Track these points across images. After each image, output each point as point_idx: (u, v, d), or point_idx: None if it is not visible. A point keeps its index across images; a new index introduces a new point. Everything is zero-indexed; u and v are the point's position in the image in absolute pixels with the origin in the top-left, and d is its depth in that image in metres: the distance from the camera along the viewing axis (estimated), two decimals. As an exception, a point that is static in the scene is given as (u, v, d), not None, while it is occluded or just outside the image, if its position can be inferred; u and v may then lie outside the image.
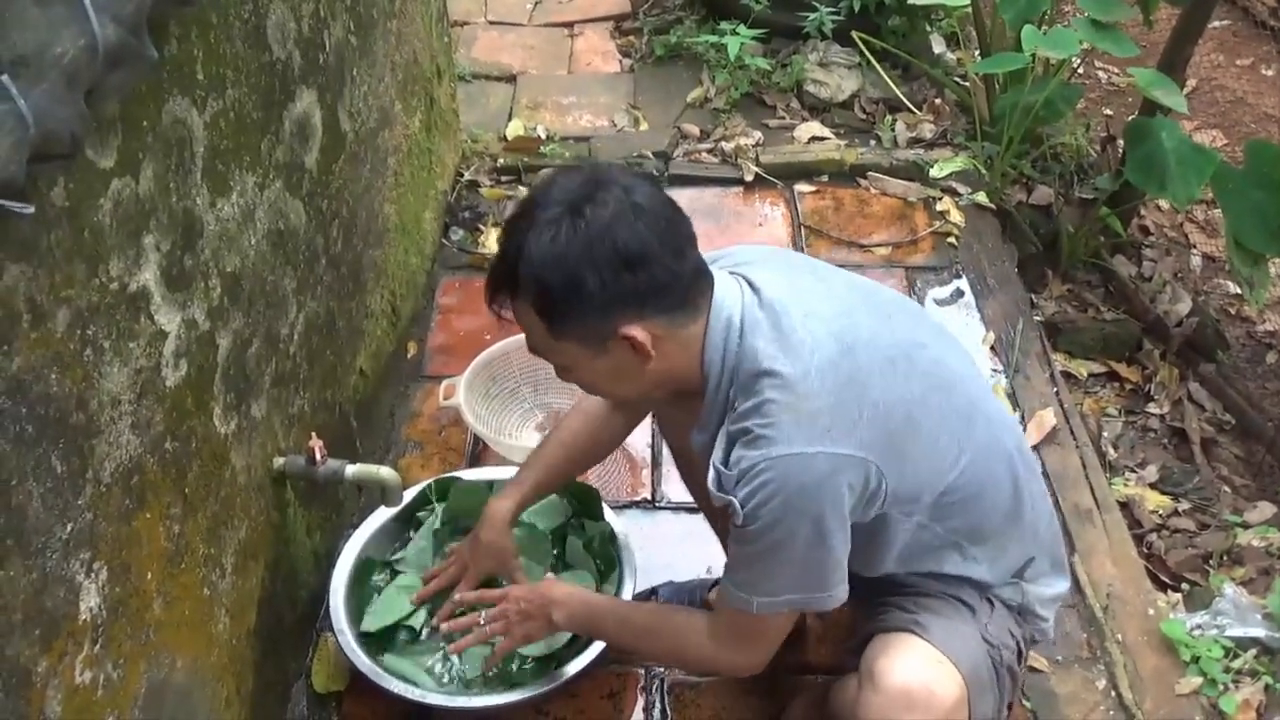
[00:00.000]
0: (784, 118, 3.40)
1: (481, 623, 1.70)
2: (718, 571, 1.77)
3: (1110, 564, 2.12)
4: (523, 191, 3.06)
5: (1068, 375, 2.70)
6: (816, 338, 1.33)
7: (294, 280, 1.78)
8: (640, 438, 2.32)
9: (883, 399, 1.33)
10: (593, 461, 1.89)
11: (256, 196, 1.60)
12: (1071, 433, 2.40)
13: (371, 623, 1.82)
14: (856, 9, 3.46)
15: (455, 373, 2.33)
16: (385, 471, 1.80)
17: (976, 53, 3.55)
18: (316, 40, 1.83)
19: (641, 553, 1.91)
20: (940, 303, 2.76)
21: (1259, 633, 1.99)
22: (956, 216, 2.99)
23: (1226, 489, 2.53)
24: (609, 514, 1.95)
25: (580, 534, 1.95)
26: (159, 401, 1.32)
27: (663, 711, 1.87)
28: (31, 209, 0.95)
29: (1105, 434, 2.60)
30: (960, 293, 2.78)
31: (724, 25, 3.52)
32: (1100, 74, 4.15)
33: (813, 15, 3.51)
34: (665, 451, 2.29)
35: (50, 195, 1.06)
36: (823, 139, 3.28)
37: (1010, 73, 2.94)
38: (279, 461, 1.74)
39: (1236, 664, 1.96)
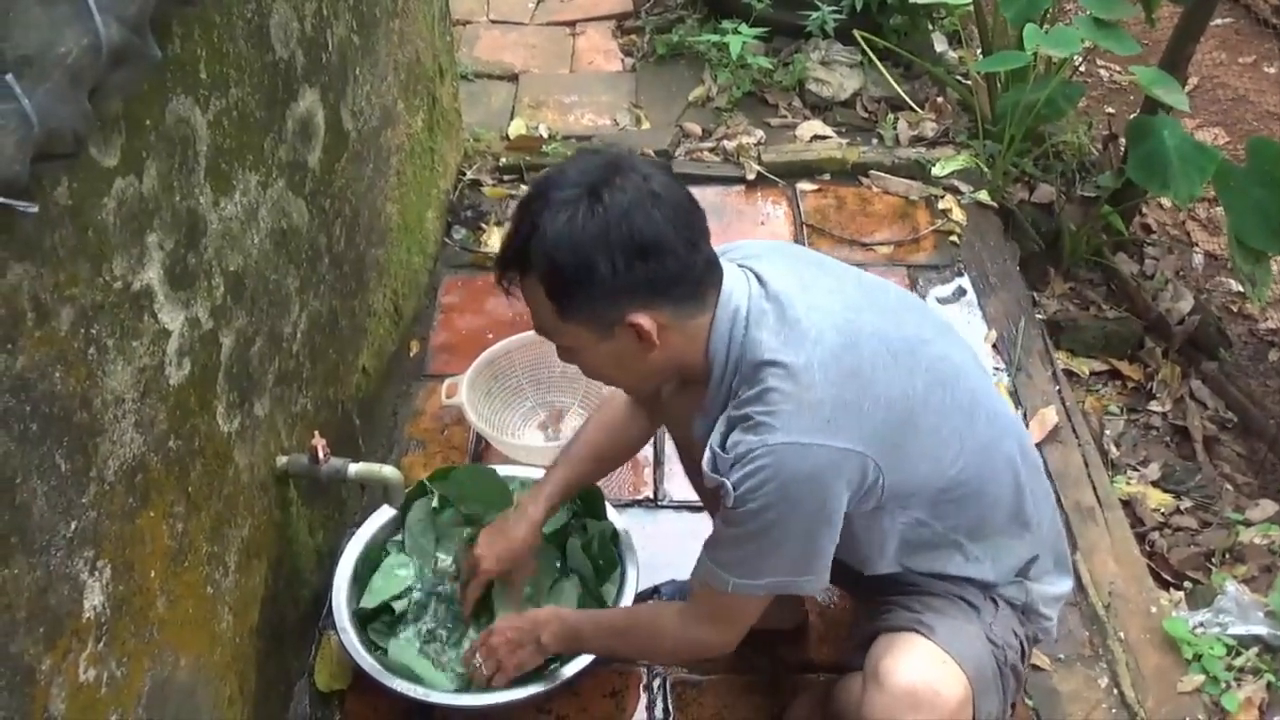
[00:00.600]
0: (786, 116, 3.40)
1: (477, 662, 1.72)
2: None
3: (1112, 562, 2.12)
4: (525, 191, 3.06)
5: (1070, 373, 2.70)
6: (821, 330, 1.33)
7: (297, 279, 1.78)
8: (642, 436, 2.32)
9: (884, 393, 1.33)
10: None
11: (259, 195, 1.61)
12: (1073, 431, 2.40)
13: (370, 600, 1.85)
14: (858, 8, 3.46)
15: (458, 371, 2.33)
16: (388, 470, 1.80)
17: (978, 51, 3.55)
18: (319, 39, 1.83)
19: (644, 551, 1.91)
20: (942, 301, 2.76)
21: (1261, 630, 1.99)
22: (958, 215, 2.99)
23: (1228, 487, 2.53)
24: (611, 513, 1.96)
25: (581, 535, 1.95)
26: (162, 400, 1.33)
27: (665, 710, 1.87)
28: (35, 208, 0.95)
29: (1107, 432, 2.60)
30: (962, 291, 2.78)
31: (726, 24, 3.53)
32: (1102, 72, 4.15)
33: (815, 14, 3.51)
34: (668, 450, 2.29)
35: (54, 194, 1.07)
36: (824, 138, 3.28)
37: (1012, 71, 2.95)
38: (282, 460, 1.74)
39: (1238, 662, 1.96)
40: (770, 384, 1.30)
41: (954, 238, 2.93)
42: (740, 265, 1.41)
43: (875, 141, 3.30)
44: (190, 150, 1.36)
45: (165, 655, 1.37)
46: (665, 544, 2.10)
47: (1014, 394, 2.48)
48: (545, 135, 3.24)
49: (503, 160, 3.13)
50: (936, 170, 3.09)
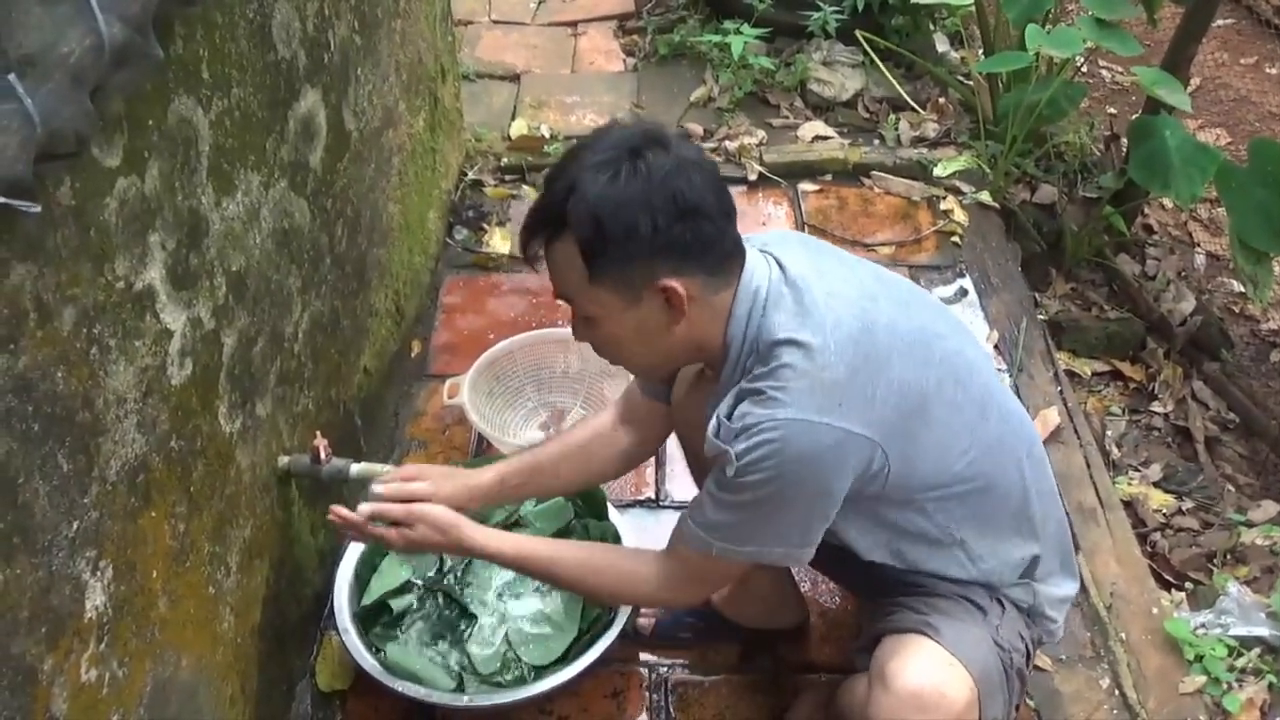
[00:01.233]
0: (788, 117, 3.40)
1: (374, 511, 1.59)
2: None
3: (1114, 563, 2.12)
4: (526, 191, 3.07)
5: (1071, 374, 2.70)
6: (838, 314, 1.33)
7: (299, 279, 1.78)
8: (644, 436, 2.32)
9: (898, 381, 1.33)
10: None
11: (261, 195, 1.60)
12: (1075, 431, 2.40)
13: (366, 597, 1.86)
14: (860, 8, 3.46)
15: (459, 371, 2.33)
16: (389, 471, 1.80)
17: (980, 51, 3.55)
18: (321, 39, 1.83)
19: (645, 552, 1.91)
20: (944, 301, 2.76)
21: (1263, 631, 1.99)
22: (960, 215, 2.99)
23: (1230, 488, 2.53)
24: (613, 514, 1.96)
25: (583, 536, 1.95)
26: (164, 400, 1.33)
27: (666, 710, 1.87)
28: (38, 208, 0.95)
29: (1109, 433, 2.60)
30: (964, 291, 2.78)
31: (727, 24, 3.52)
32: (1104, 73, 4.15)
33: (816, 14, 3.51)
34: (669, 451, 2.29)
35: (56, 194, 1.07)
36: (826, 138, 3.28)
37: (1014, 71, 2.94)
38: (284, 460, 1.74)
39: (1240, 663, 1.96)
40: (786, 360, 1.30)
41: (956, 238, 2.93)
42: (761, 251, 1.42)
43: (877, 142, 3.30)
44: (192, 150, 1.36)
45: (167, 655, 1.37)
46: (667, 544, 2.10)
47: (1016, 394, 2.47)
48: (547, 135, 3.24)
49: (504, 160, 3.13)
50: (938, 171, 3.09)
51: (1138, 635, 1.99)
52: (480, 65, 3.64)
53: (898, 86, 3.38)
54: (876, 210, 3.04)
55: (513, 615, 1.91)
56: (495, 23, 3.95)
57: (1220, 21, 4.29)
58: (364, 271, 2.16)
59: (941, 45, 3.74)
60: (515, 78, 3.62)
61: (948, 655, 1.40)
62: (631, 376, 1.67)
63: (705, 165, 1.32)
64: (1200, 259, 3.30)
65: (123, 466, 1.23)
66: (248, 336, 1.58)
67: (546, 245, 1.33)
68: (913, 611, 1.48)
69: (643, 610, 1.92)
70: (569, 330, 1.46)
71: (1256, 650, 1.98)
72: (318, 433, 1.81)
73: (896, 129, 3.31)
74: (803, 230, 2.95)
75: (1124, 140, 3.00)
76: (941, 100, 3.41)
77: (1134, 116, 2.98)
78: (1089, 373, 2.78)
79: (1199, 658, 1.95)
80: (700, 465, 1.77)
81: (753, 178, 3.11)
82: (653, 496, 2.24)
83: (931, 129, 3.31)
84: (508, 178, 3.11)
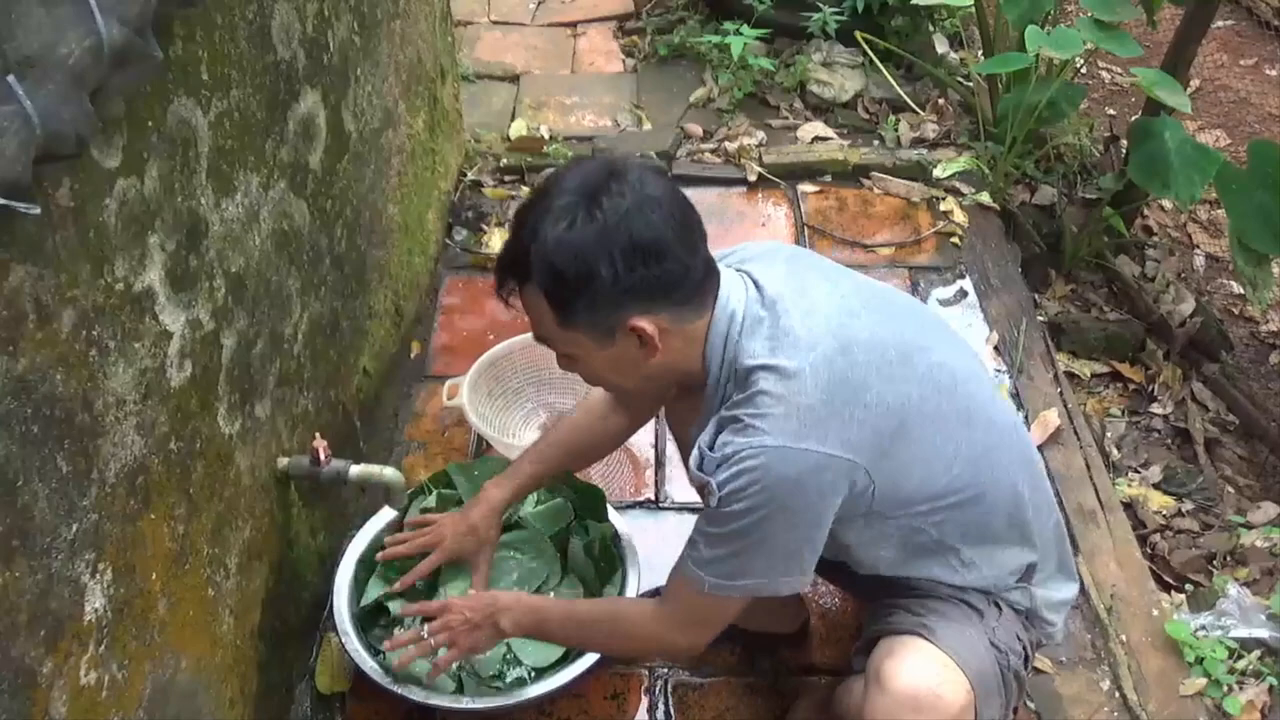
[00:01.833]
0: (787, 118, 3.40)
1: (425, 635, 1.65)
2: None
3: (1114, 565, 2.12)
4: (526, 192, 3.07)
5: (1071, 375, 2.70)
6: (815, 335, 1.33)
7: (298, 280, 1.78)
8: (644, 438, 2.32)
9: (877, 400, 1.32)
10: (591, 458, 1.90)
11: (261, 197, 1.60)
12: (1075, 433, 2.39)
13: (365, 598, 1.85)
14: (860, 9, 3.46)
15: (459, 373, 2.33)
16: (389, 472, 1.80)
17: (980, 53, 3.55)
18: (320, 40, 1.83)
19: (645, 553, 1.90)
20: (944, 303, 2.76)
21: (1263, 633, 1.99)
22: (960, 217, 2.99)
23: (1230, 489, 2.52)
24: (613, 514, 1.95)
25: (583, 536, 1.94)
26: (164, 402, 1.32)
27: (666, 712, 1.87)
28: (37, 209, 0.95)
29: (1109, 434, 2.59)
30: (964, 293, 2.78)
31: (727, 25, 3.52)
32: (1104, 74, 4.15)
33: (816, 15, 3.51)
34: (669, 452, 2.29)
35: (56, 195, 1.06)
36: (826, 139, 3.28)
37: (1014, 73, 2.94)
38: (283, 462, 1.74)
39: (1241, 665, 1.96)
40: (761, 387, 1.30)
41: (955, 239, 2.93)
42: (737, 269, 1.41)
43: (876, 143, 3.30)
44: (192, 151, 1.36)
45: (166, 658, 1.37)
46: (666, 546, 2.07)
47: (1015, 396, 2.48)
48: (546, 136, 3.24)
49: (504, 161, 3.13)
50: (938, 172, 3.09)
51: (1138, 637, 1.99)
52: (480, 66, 3.64)
53: (897, 87, 3.38)
54: (876, 211, 3.04)
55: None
56: (495, 23, 3.95)
57: (1220, 23, 4.29)
58: (363, 272, 2.16)
59: (941, 46, 3.74)
60: (515, 78, 3.62)
61: (944, 656, 1.40)
62: None
63: (665, 199, 1.29)
64: (1200, 260, 3.30)
65: (122, 468, 1.23)
66: (247, 338, 1.58)
67: (518, 290, 1.34)
68: (909, 613, 1.48)
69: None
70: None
71: (1257, 652, 1.98)
72: (317, 434, 1.80)
73: (896, 130, 3.31)
74: (802, 231, 2.96)
75: (1124, 141, 3.00)
76: (941, 101, 3.41)
77: (1134, 118, 2.98)
78: (1089, 374, 2.78)
79: (1199, 660, 1.95)
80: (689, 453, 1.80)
81: (752, 179, 3.11)
82: (652, 498, 2.24)
83: (931, 130, 3.31)
84: (507, 178, 3.11)
